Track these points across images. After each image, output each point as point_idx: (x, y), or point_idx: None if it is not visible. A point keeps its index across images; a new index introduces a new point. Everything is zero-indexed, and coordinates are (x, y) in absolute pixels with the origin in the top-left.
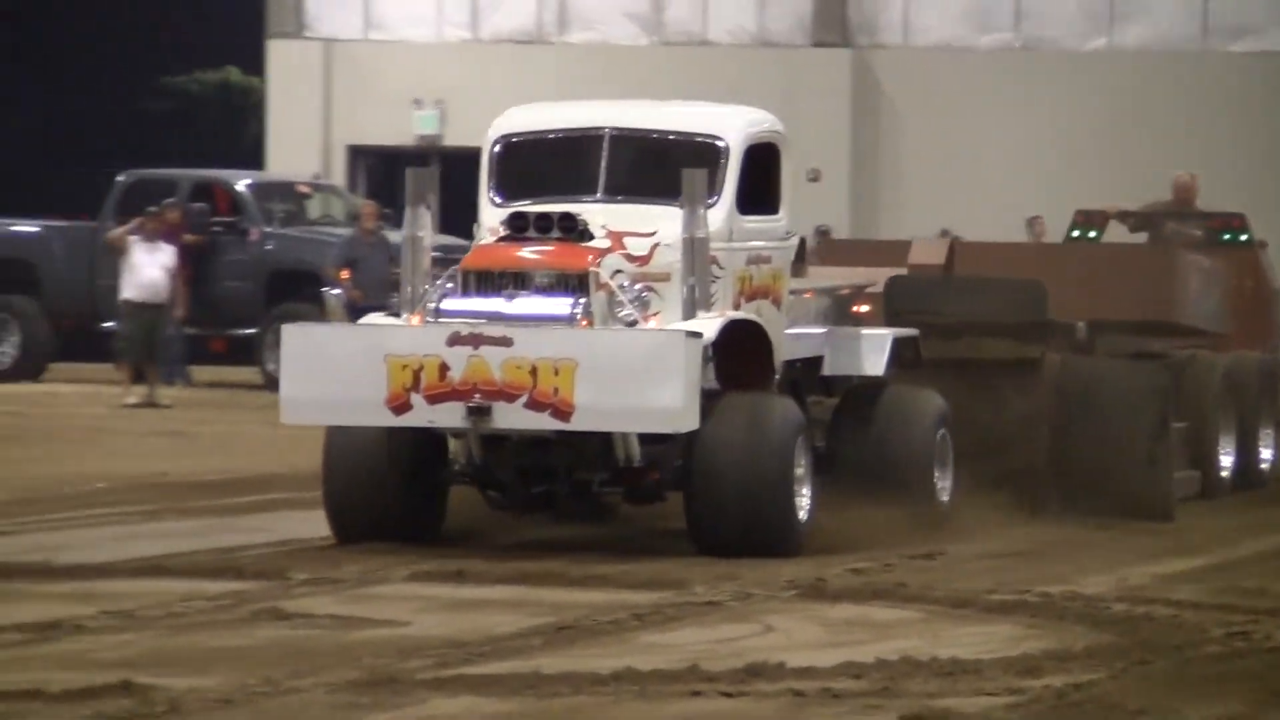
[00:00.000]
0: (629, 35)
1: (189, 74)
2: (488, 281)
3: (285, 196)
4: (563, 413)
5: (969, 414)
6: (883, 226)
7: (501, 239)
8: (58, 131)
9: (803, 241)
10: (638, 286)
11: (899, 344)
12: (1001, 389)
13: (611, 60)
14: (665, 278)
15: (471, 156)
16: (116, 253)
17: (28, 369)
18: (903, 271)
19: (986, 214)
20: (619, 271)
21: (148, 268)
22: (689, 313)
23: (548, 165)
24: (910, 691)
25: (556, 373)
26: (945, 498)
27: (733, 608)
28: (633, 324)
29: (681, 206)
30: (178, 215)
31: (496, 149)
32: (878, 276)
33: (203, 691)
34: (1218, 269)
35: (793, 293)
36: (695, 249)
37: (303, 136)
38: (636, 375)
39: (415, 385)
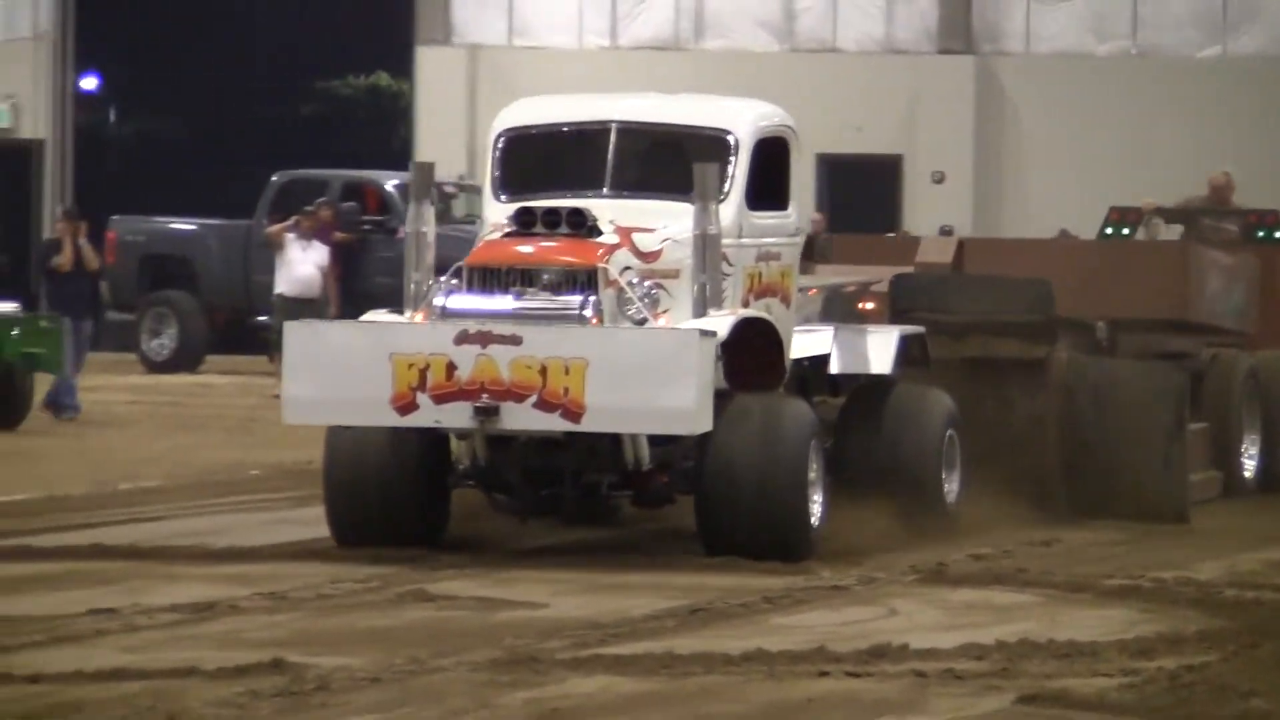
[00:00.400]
0: (761, 42)
1: (341, 79)
2: (494, 278)
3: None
4: (573, 413)
5: (975, 413)
6: (1005, 226)
7: (508, 234)
8: (216, 133)
9: (809, 239)
10: (647, 284)
11: (907, 342)
12: (1008, 388)
13: (744, 66)
14: (675, 275)
15: None
16: (274, 249)
17: (185, 361)
18: (908, 270)
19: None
20: (628, 268)
21: (301, 264)
22: (700, 311)
23: (553, 160)
24: (1028, 672)
25: (567, 372)
26: (953, 499)
27: (858, 592)
28: (642, 322)
29: (692, 202)
30: (330, 214)
31: (500, 143)
32: (884, 274)
33: (350, 670)
34: (1242, 266)
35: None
36: (707, 245)
37: (449, 138)
38: (649, 375)
39: (421, 384)
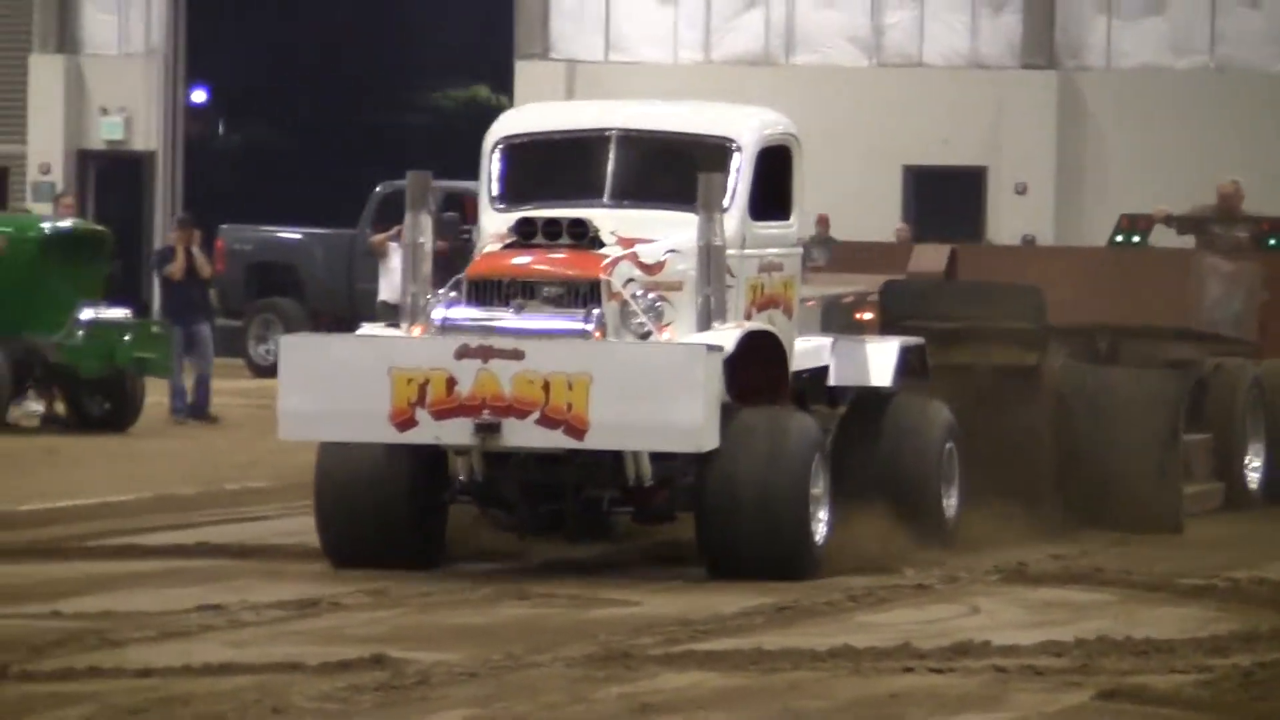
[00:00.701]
0: (850, 57)
1: (443, 91)
2: (494, 291)
3: None
4: (576, 430)
5: (967, 422)
6: (1085, 235)
7: (508, 245)
8: (321, 144)
9: (805, 249)
10: (650, 296)
11: (906, 353)
12: (999, 396)
13: (832, 81)
14: (678, 287)
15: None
16: (377, 257)
17: None
18: (899, 277)
19: None
20: (631, 280)
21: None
22: (704, 324)
23: (551, 169)
24: (1106, 669)
25: (570, 388)
26: (951, 513)
27: (941, 590)
28: (646, 336)
29: (695, 212)
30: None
31: (497, 152)
32: (877, 283)
33: (449, 665)
34: (1242, 274)
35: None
36: (712, 257)
37: None
38: (655, 391)
39: (421, 400)
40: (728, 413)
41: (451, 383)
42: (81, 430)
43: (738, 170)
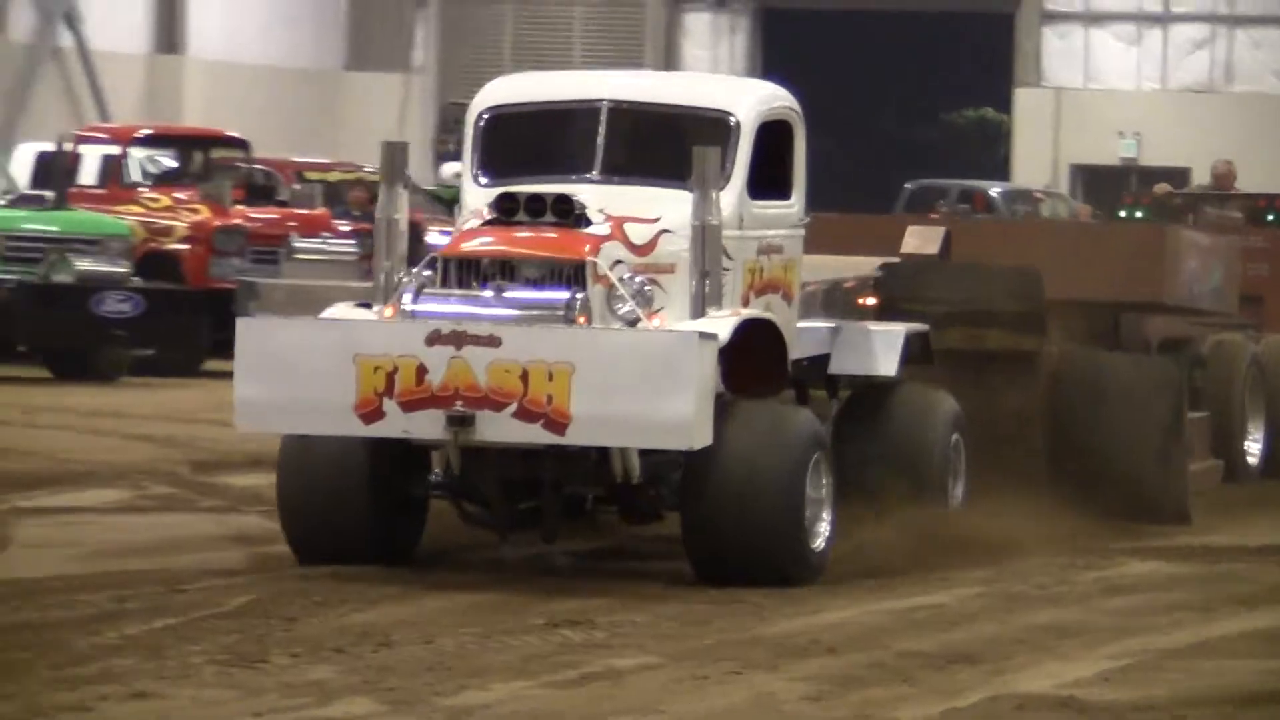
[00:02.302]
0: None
1: (957, 111)
2: (472, 271)
3: (1024, 200)
4: (557, 424)
5: (966, 409)
6: None
7: (488, 223)
8: (864, 150)
9: None
10: (639, 279)
11: (910, 340)
12: (995, 381)
13: (1265, 108)
14: (670, 269)
15: (1160, 174)
16: None
17: None
18: (894, 259)
19: None
20: (619, 262)
21: None
22: (698, 310)
23: (539, 141)
24: None
25: (550, 378)
26: (958, 505)
27: None
28: (634, 322)
29: (690, 189)
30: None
31: (482, 122)
32: (869, 264)
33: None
34: (1221, 248)
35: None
36: (707, 237)
37: (1037, 158)
38: (643, 382)
39: (389, 390)
40: (722, 406)
41: (422, 371)
42: None
43: (735, 146)
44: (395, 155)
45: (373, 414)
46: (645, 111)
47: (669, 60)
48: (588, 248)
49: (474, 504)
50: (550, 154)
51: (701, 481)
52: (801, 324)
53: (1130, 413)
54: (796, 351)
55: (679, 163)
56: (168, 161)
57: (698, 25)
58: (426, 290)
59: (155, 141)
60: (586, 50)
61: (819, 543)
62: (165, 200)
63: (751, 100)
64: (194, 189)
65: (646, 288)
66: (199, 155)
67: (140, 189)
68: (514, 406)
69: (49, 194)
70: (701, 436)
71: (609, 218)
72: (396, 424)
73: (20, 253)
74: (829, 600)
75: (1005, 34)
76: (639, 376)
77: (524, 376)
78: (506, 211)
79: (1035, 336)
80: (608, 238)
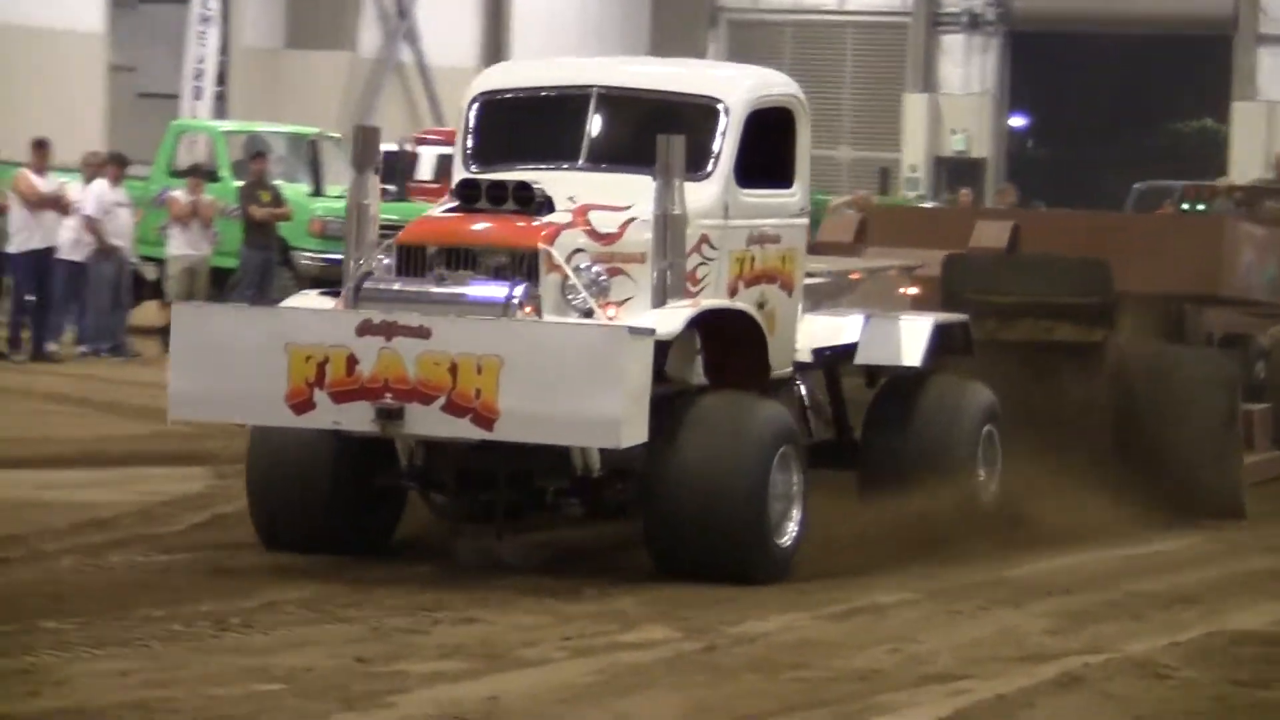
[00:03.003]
0: None
1: (1182, 122)
2: (426, 259)
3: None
4: (485, 419)
5: (1026, 401)
6: None
7: (448, 210)
8: (1099, 155)
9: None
10: (597, 269)
11: (942, 331)
12: (1061, 374)
13: None
14: (639, 259)
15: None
16: None
17: None
18: (960, 252)
19: None
20: (579, 250)
21: None
22: (659, 300)
23: (529, 128)
24: None
25: (479, 371)
26: (988, 498)
27: None
28: (588, 314)
29: (655, 178)
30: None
31: (473, 110)
32: (930, 258)
33: None
34: (1277, 239)
35: (834, 274)
36: (669, 227)
37: (1251, 162)
38: (571, 378)
39: (319, 380)
40: (688, 399)
41: (352, 362)
42: None
43: (723, 133)
44: (367, 138)
45: (303, 404)
46: (635, 98)
47: (927, 79)
48: (542, 236)
49: (437, 493)
50: (539, 140)
51: (661, 476)
52: (824, 315)
53: (1186, 406)
54: (821, 341)
55: None
56: None
57: (953, 45)
58: (370, 279)
59: None
60: (856, 64)
61: (785, 539)
62: None
63: (743, 88)
64: None
65: (603, 278)
66: None
67: None
68: (443, 400)
69: (392, 188)
70: (632, 434)
71: (575, 205)
72: (327, 415)
73: None
74: (1067, 547)
75: (1224, 54)
76: (567, 371)
77: (453, 369)
78: (468, 199)
79: (1103, 329)
80: (567, 225)
